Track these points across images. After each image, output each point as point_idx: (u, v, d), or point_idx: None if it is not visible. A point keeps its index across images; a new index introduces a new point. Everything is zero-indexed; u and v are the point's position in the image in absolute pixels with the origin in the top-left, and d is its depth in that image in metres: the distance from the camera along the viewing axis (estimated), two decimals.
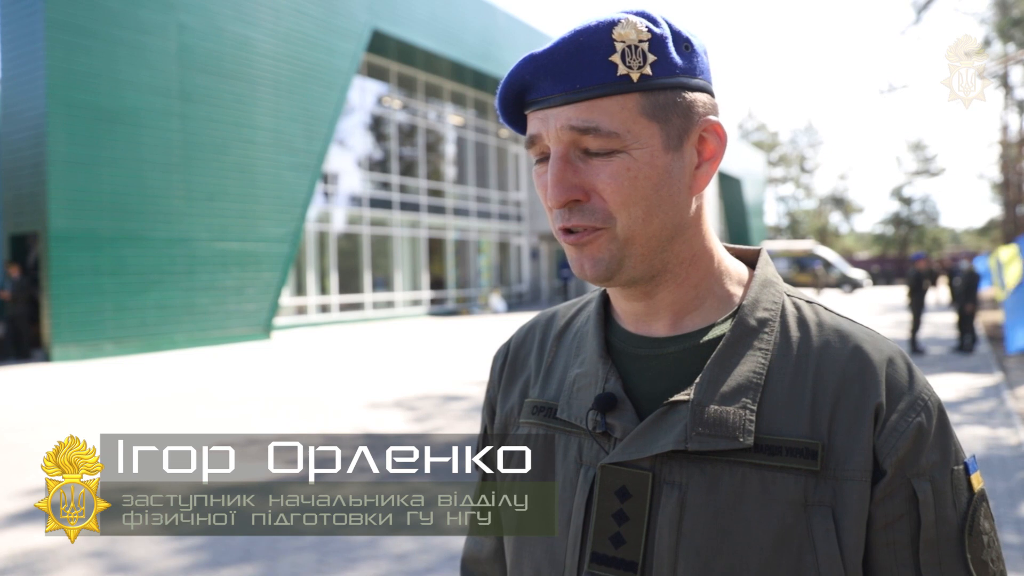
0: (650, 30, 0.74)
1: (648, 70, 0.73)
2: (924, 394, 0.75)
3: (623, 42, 0.73)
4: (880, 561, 0.73)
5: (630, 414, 0.78)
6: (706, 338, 0.79)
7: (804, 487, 0.71)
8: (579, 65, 0.73)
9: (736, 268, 0.85)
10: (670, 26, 0.76)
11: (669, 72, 0.74)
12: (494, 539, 0.98)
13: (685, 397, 0.75)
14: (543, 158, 0.78)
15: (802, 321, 0.79)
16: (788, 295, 0.83)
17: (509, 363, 0.96)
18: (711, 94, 0.79)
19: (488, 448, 0.97)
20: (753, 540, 0.71)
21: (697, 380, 0.76)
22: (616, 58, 0.72)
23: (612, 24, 0.73)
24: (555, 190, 0.74)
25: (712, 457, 0.73)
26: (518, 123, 0.80)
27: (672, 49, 0.74)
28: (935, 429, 0.74)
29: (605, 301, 0.89)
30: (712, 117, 0.77)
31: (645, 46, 0.73)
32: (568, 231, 0.77)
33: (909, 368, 0.76)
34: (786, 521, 0.71)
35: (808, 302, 0.82)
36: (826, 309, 0.81)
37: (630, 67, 0.73)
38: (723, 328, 0.80)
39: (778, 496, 0.72)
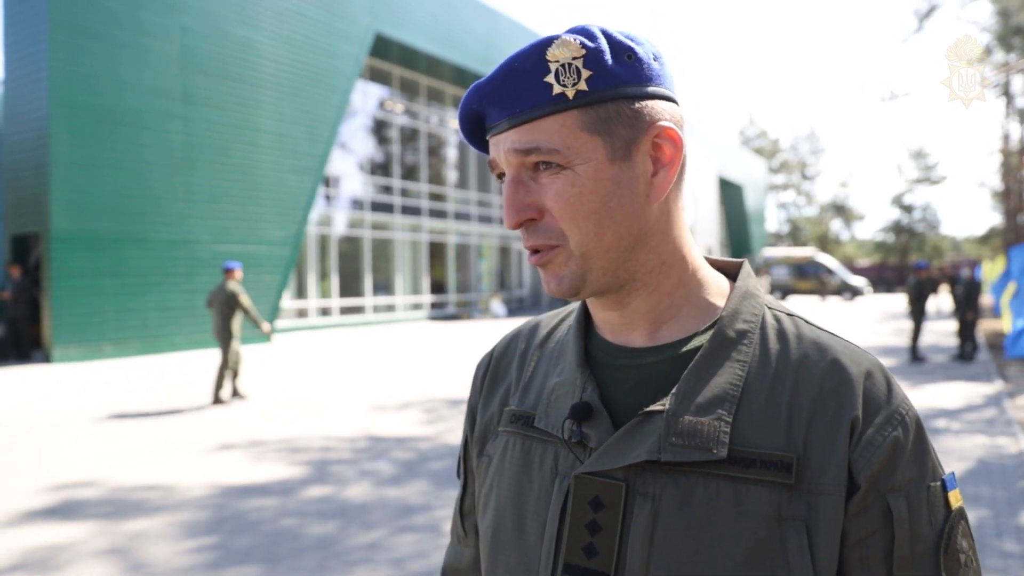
0: (584, 45, 0.74)
1: (584, 86, 0.74)
2: (902, 408, 0.75)
3: (556, 61, 0.74)
4: None
5: (606, 424, 0.78)
6: (684, 349, 0.79)
7: (778, 500, 0.71)
8: (516, 90, 0.75)
9: (716, 279, 0.85)
10: (609, 38, 0.76)
11: (608, 84, 0.74)
12: (474, 549, 0.98)
13: (660, 407, 0.75)
14: (502, 178, 0.81)
15: (781, 334, 0.79)
16: (769, 307, 0.82)
17: (491, 371, 0.96)
18: (667, 99, 0.79)
19: (469, 455, 0.97)
20: (725, 553, 0.71)
21: (673, 391, 0.76)
22: (551, 78, 0.74)
23: (545, 45, 0.75)
24: (508, 212, 0.77)
25: (686, 468, 0.73)
26: (485, 147, 0.83)
27: (610, 61, 0.75)
28: (912, 444, 0.74)
29: (586, 311, 0.89)
30: (664, 122, 0.77)
31: (579, 62, 0.74)
32: (534, 251, 0.79)
33: (888, 382, 0.76)
34: (759, 535, 0.70)
35: (788, 315, 0.82)
36: (806, 322, 0.81)
37: (564, 85, 0.74)
38: (702, 339, 0.80)
39: (751, 509, 0.71)
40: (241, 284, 12.82)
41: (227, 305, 9.39)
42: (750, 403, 0.75)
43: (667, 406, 0.75)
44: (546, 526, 0.79)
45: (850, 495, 0.72)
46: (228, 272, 9.53)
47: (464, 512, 0.98)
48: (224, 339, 9.42)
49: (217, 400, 9.31)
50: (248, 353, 15.16)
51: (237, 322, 9.52)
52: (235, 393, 9.65)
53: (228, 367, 9.41)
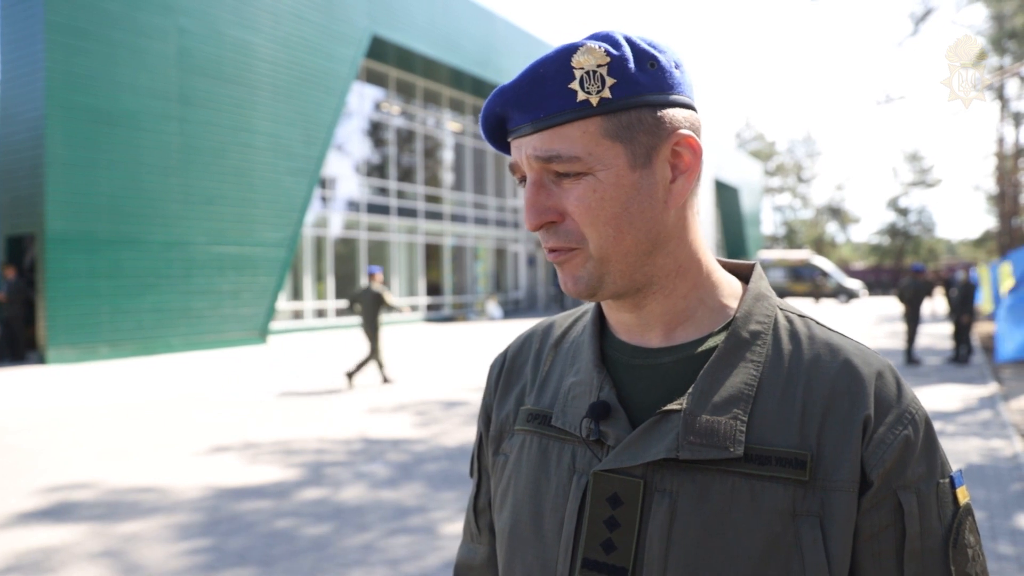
0: (608, 53, 0.75)
1: (608, 93, 0.75)
2: (912, 408, 0.77)
3: (581, 68, 0.75)
4: (866, 571, 0.74)
5: (623, 422, 0.79)
6: (700, 349, 0.81)
7: (792, 497, 0.73)
8: (541, 95, 0.76)
9: (729, 281, 0.87)
10: (633, 46, 0.77)
11: (631, 92, 0.76)
12: (487, 546, 0.99)
13: (677, 407, 0.77)
14: (525, 181, 0.82)
15: (794, 334, 0.81)
16: (781, 309, 0.84)
17: (506, 371, 0.98)
18: (687, 107, 0.80)
19: (484, 454, 0.98)
20: (742, 548, 0.72)
21: (690, 390, 0.78)
22: (575, 85, 0.75)
23: (571, 52, 0.76)
24: (529, 214, 0.79)
25: (703, 466, 0.75)
26: (507, 149, 0.84)
27: (633, 69, 0.76)
28: (922, 442, 0.76)
29: (601, 312, 0.91)
30: (684, 131, 0.78)
31: (604, 70, 0.75)
32: (551, 252, 0.81)
33: (897, 382, 0.78)
34: (774, 530, 0.72)
35: (800, 316, 0.84)
36: (817, 323, 0.83)
37: (589, 92, 0.75)
38: (717, 340, 0.81)
39: (767, 505, 0.73)
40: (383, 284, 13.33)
41: (374, 303, 10.82)
42: (764, 402, 0.76)
43: (684, 405, 0.77)
44: (564, 523, 0.80)
45: (862, 491, 0.74)
46: (372, 276, 10.98)
47: (478, 510, 0.99)
48: (372, 332, 10.82)
49: (386, 379, 11.06)
50: (242, 355, 15.14)
51: (381, 317, 10.93)
52: (385, 380, 11.07)
53: (380, 355, 10.89)
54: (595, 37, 0.78)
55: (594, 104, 0.75)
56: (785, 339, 0.81)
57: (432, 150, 25.60)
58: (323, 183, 20.14)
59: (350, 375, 10.78)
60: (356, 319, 21.32)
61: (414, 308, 23.85)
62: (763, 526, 0.72)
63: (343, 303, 21.29)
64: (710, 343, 0.81)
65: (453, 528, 4.81)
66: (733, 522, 0.73)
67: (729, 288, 0.86)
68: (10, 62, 13.80)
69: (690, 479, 0.75)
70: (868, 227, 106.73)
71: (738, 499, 0.73)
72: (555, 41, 23.50)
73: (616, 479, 0.77)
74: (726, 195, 46.81)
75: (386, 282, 22.92)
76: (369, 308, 10.79)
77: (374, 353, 10.84)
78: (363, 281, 21.80)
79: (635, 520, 0.76)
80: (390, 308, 10.93)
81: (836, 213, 68.89)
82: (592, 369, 0.85)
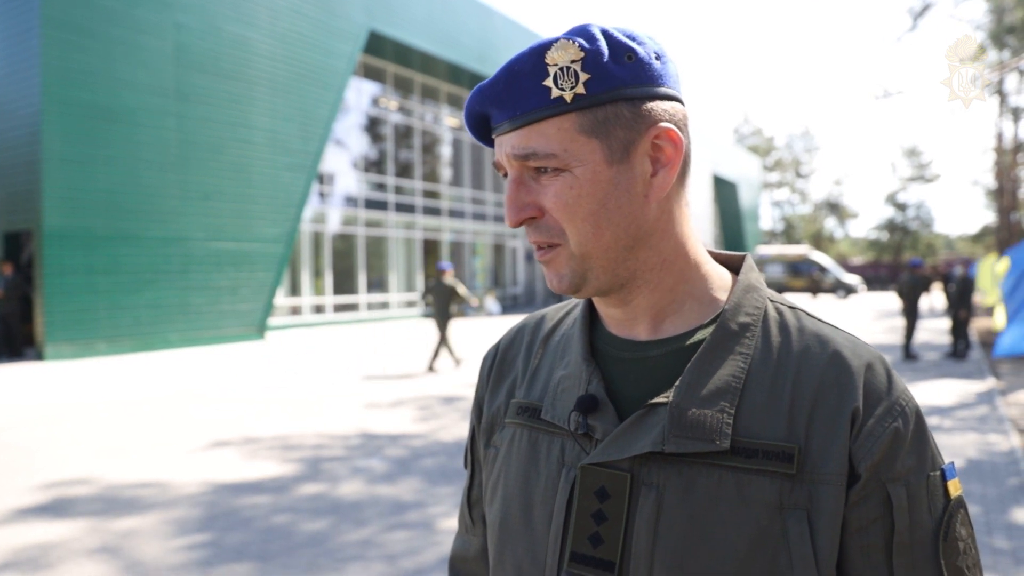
0: (583, 48, 0.75)
1: (582, 89, 0.75)
2: (902, 400, 0.76)
3: (555, 65, 0.75)
4: (854, 564, 0.74)
5: (611, 416, 0.79)
6: (688, 342, 0.81)
7: (779, 490, 0.72)
8: (516, 93, 0.76)
9: (719, 273, 0.86)
10: (609, 39, 0.76)
11: (606, 87, 0.75)
12: (481, 538, 1.00)
13: (664, 400, 0.77)
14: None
15: (783, 326, 0.80)
16: (771, 300, 0.84)
17: (497, 364, 0.98)
18: (669, 99, 0.79)
19: (476, 446, 0.99)
20: (728, 541, 0.72)
21: (677, 383, 0.77)
22: (549, 82, 0.75)
23: (545, 48, 0.76)
24: (508, 211, 0.79)
25: (689, 459, 0.75)
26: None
27: (609, 63, 0.75)
28: (912, 435, 0.75)
29: (591, 304, 0.91)
30: (664, 124, 0.77)
31: (577, 66, 0.75)
32: (538, 248, 0.81)
33: (888, 374, 0.77)
34: (761, 523, 0.72)
35: (791, 307, 0.83)
36: (808, 315, 0.82)
37: (562, 89, 0.75)
38: (705, 332, 0.81)
39: (753, 498, 0.72)
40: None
41: (447, 296, 11.77)
42: (752, 395, 0.76)
43: (671, 398, 0.76)
44: (553, 516, 0.81)
45: (851, 484, 0.73)
46: (443, 272, 11.94)
47: (472, 502, 1.00)
48: (443, 323, 11.82)
49: (431, 369, 11.92)
50: (240, 351, 15.14)
51: (452, 308, 11.88)
52: (456, 362, 12.20)
53: (448, 344, 11.94)
54: (572, 31, 0.77)
55: (568, 100, 0.75)
56: (774, 331, 0.80)
57: (430, 146, 25.58)
58: (321, 179, 20.12)
59: (430, 367, 11.87)
60: (353, 315, 21.30)
61: (411, 304, 23.85)
62: (750, 519, 0.72)
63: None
64: (699, 336, 0.81)
65: (451, 523, 4.81)
66: (719, 515, 0.73)
67: (719, 280, 0.85)
68: (6, 57, 13.77)
69: (676, 472, 0.75)
70: (866, 222, 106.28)
71: (724, 492, 0.73)
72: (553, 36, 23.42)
73: (603, 473, 0.77)
74: (724, 190, 46.80)
75: (383, 279, 22.94)
76: (441, 300, 11.77)
77: (444, 341, 11.87)
78: (361, 278, 21.78)
79: (622, 514, 0.76)
80: (461, 300, 11.82)
81: (834, 208, 68.85)
82: (581, 362, 0.84)
